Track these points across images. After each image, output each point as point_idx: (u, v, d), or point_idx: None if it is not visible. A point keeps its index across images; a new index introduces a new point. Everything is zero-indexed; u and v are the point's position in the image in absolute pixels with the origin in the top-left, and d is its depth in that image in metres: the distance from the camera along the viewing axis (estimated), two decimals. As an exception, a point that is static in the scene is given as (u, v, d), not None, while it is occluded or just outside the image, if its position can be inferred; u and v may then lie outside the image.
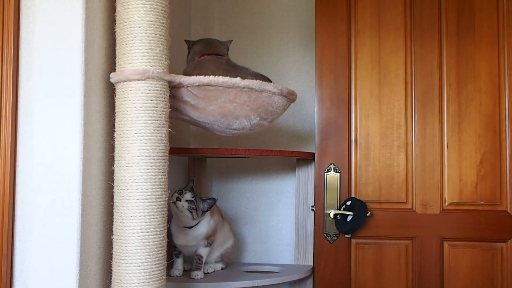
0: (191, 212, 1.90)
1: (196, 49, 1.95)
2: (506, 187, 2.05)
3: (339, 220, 2.09)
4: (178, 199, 1.90)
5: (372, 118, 2.12)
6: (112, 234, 1.49)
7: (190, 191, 1.93)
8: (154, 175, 1.46)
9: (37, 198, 1.46)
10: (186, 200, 1.90)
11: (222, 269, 2.15)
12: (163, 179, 1.49)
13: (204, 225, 1.98)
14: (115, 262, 1.47)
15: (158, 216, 1.47)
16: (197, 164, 2.38)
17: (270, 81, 1.85)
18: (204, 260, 2.00)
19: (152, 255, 1.46)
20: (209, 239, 2.02)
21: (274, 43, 2.53)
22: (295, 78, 2.50)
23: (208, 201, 1.94)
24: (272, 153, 2.05)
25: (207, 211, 1.95)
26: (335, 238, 2.12)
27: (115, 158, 1.49)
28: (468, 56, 2.09)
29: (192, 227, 1.96)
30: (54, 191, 1.45)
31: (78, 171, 1.45)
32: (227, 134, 1.84)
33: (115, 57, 1.53)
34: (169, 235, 1.99)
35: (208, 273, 2.06)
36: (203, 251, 2.00)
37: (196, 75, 1.65)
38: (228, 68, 1.82)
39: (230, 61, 1.93)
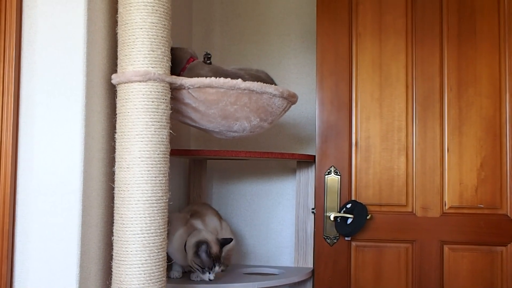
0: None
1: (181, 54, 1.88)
2: (506, 191, 2.05)
3: (339, 222, 2.09)
4: (208, 272, 1.86)
5: (372, 121, 2.12)
6: (113, 235, 1.49)
7: (218, 263, 1.88)
8: (155, 177, 1.46)
9: (38, 199, 1.46)
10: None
11: (222, 271, 2.15)
12: (164, 181, 1.49)
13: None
14: (115, 263, 1.47)
15: (158, 218, 1.47)
16: (197, 166, 2.38)
17: (270, 77, 1.84)
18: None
19: (152, 256, 1.46)
20: None
21: (275, 45, 2.53)
22: (296, 80, 2.50)
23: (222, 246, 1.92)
24: (273, 155, 2.05)
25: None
26: (335, 241, 2.12)
27: (116, 159, 1.49)
28: (469, 60, 2.09)
29: None
30: (55, 192, 1.45)
31: (78, 172, 1.45)
32: (228, 137, 1.84)
33: (116, 59, 1.53)
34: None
35: (208, 275, 2.06)
36: (204, 255, 2.00)
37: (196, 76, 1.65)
38: (223, 72, 1.77)
39: (215, 65, 1.84)
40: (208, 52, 1.85)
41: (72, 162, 1.45)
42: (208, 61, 1.82)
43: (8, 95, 1.44)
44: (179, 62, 1.80)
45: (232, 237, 2.20)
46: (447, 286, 2.05)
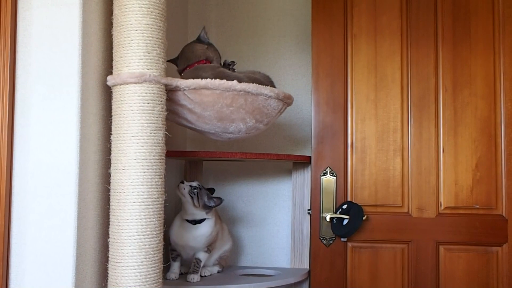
0: (192, 198, 1.94)
1: (198, 53, 1.88)
2: (502, 191, 2.06)
3: (335, 223, 2.09)
4: (182, 182, 1.96)
5: (368, 122, 2.13)
6: (108, 237, 1.49)
7: (199, 183, 1.99)
8: (151, 178, 1.46)
9: (34, 201, 1.46)
10: (190, 186, 1.96)
11: (218, 272, 2.15)
12: (160, 182, 1.49)
13: (209, 225, 1.99)
14: (111, 265, 1.47)
15: (154, 219, 1.47)
16: (193, 167, 2.37)
17: (269, 79, 1.85)
18: (202, 264, 2.00)
19: (148, 258, 1.46)
20: (210, 246, 2.02)
21: (271, 47, 2.53)
22: (291, 81, 2.50)
23: (214, 199, 1.98)
24: (269, 156, 2.05)
25: (211, 207, 1.98)
26: (331, 242, 2.12)
27: (112, 161, 1.49)
28: (464, 61, 2.10)
29: (195, 223, 1.96)
30: (50, 194, 1.45)
31: (74, 174, 1.45)
32: (224, 139, 1.84)
33: (112, 60, 1.53)
34: (169, 238, 1.99)
35: (204, 276, 2.06)
36: (202, 256, 2.00)
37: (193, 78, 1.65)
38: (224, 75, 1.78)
39: (222, 68, 1.86)
40: (232, 61, 1.89)
41: (67, 164, 1.45)
42: (231, 69, 1.86)
43: (3, 97, 1.44)
44: (190, 58, 1.81)
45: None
46: (443, 287, 2.06)
